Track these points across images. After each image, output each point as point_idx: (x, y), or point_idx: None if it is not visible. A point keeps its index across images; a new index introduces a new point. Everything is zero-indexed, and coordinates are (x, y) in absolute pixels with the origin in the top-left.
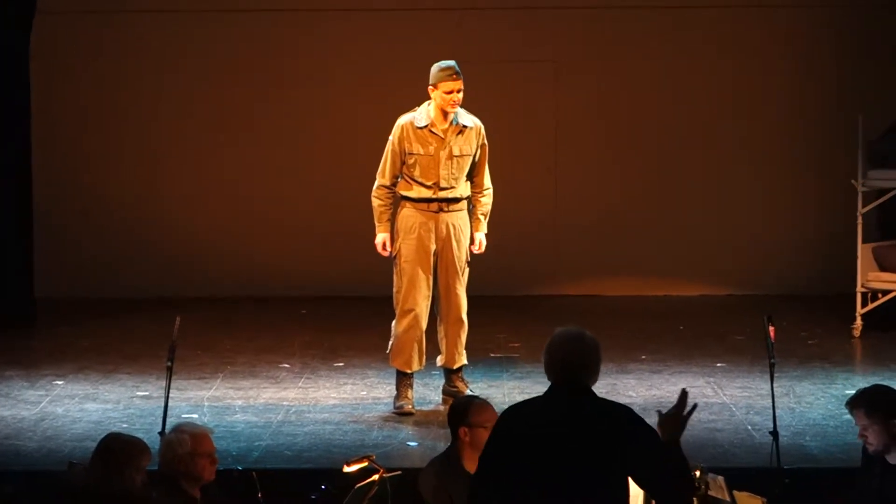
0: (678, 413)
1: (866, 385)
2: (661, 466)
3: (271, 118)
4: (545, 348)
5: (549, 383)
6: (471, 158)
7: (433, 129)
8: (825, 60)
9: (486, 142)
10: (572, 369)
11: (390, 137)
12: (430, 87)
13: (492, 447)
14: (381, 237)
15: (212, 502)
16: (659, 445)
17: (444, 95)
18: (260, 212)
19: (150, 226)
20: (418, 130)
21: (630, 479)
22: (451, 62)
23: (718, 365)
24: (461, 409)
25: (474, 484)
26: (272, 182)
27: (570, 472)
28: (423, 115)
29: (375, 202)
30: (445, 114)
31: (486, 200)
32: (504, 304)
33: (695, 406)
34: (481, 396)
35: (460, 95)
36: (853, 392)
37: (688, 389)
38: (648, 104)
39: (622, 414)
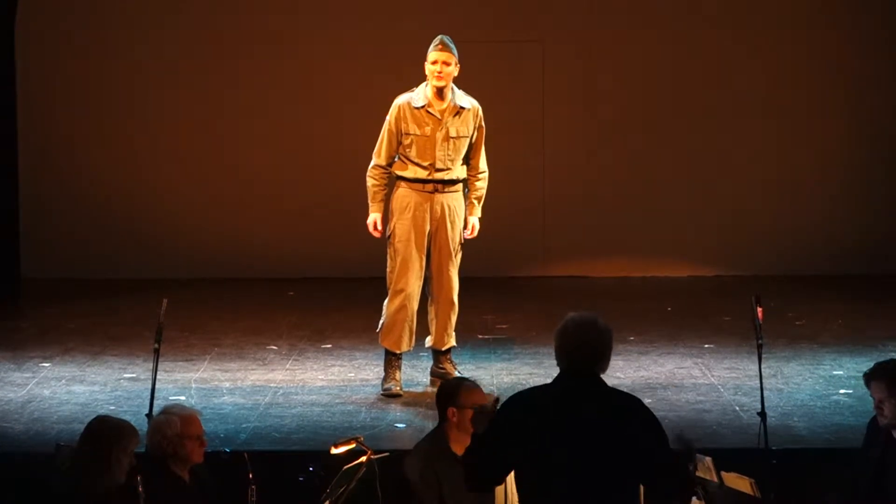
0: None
1: (854, 365)
2: (666, 461)
3: (257, 100)
4: (557, 333)
5: (536, 365)
6: (467, 140)
7: (430, 110)
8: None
9: (483, 124)
10: (585, 356)
11: (387, 117)
12: (425, 63)
13: (497, 432)
14: (374, 217)
15: (200, 484)
16: (665, 440)
17: (430, 66)
18: (247, 193)
19: (136, 207)
20: (415, 111)
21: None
22: (442, 35)
23: (706, 346)
24: (450, 390)
25: (472, 464)
26: (260, 163)
27: (581, 461)
28: (420, 95)
29: (370, 181)
30: (442, 94)
31: (482, 184)
32: (492, 285)
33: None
34: (470, 378)
35: (448, 69)
36: (841, 372)
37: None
38: (635, 85)
39: (632, 404)
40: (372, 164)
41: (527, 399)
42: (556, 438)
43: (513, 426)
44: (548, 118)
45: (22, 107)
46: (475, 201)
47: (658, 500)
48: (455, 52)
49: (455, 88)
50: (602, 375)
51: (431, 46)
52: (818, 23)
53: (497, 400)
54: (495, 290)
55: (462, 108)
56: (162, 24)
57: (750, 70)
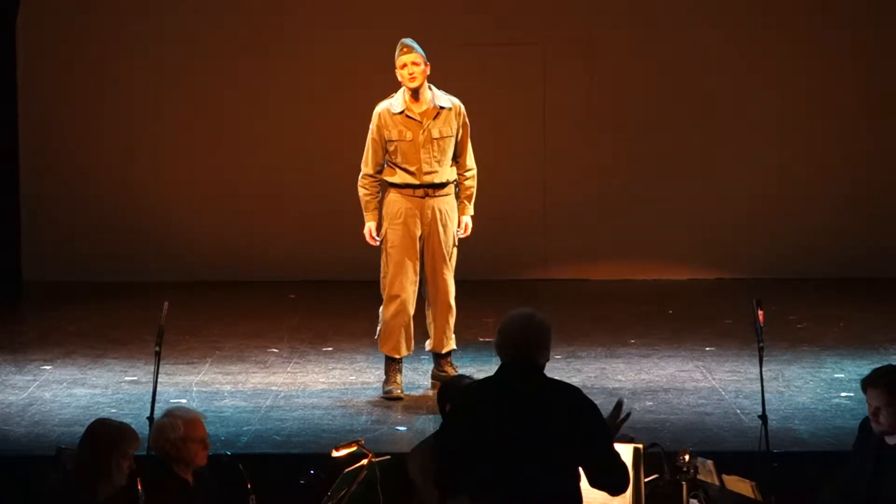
0: (612, 420)
1: (855, 368)
2: (604, 448)
3: (257, 102)
4: (498, 329)
5: None
6: (452, 140)
7: (409, 114)
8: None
9: (467, 121)
10: (524, 348)
11: (370, 126)
12: (395, 71)
13: (449, 428)
14: (369, 226)
15: (203, 487)
16: (604, 427)
17: (400, 71)
18: (247, 196)
19: (137, 210)
20: (395, 116)
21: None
22: (403, 39)
23: (707, 349)
24: (450, 388)
25: (437, 466)
26: (261, 165)
27: (523, 451)
28: (398, 100)
29: (361, 191)
30: (418, 96)
31: (471, 183)
32: (492, 288)
33: (628, 414)
34: (469, 375)
35: (418, 69)
36: (842, 375)
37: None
38: (636, 88)
39: (571, 393)
40: (361, 174)
41: (468, 394)
42: (496, 430)
43: (458, 424)
44: (548, 121)
45: (23, 109)
46: (466, 200)
47: (597, 488)
48: (421, 51)
49: (433, 89)
50: (585, 372)
51: (397, 51)
52: (822, 24)
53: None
54: (496, 293)
55: (442, 108)
56: (162, 26)
57: (751, 73)
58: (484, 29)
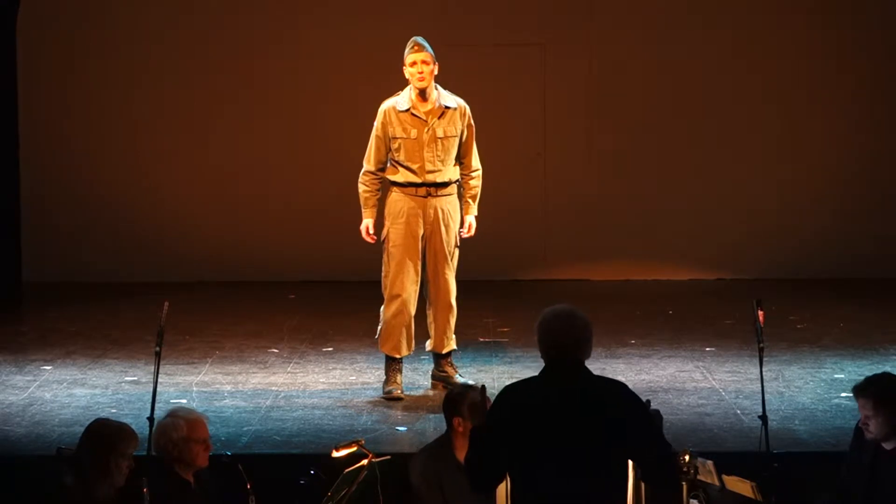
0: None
1: (855, 368)
2: (654, 443)
3: (258, 103)
4: (537, 327)
5: (539, 365)
6: (457, 140)
7: (415, 112)
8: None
9: (472, 122)
10: (566, 346)
11: (374, 123)
12: (403, 68)
13: (490, 430)
14: (366, 223)
15: (204, 488)
16: (651, 422)
17: (409, 69)
18: (247, 196)
19: (138, 210)
20: (401, 114)
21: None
22: (415, 37)
23: (707, 349)
24: (457, 399)
25: (472, 464)
26: (260, 167)
27: (571, 450)
28: (404, 98)
29: (361, 188)
30: (425, 95)
31: (476, 183)
32: (493, 288)
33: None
34: (475, 384)
35: (427, 68)
36: (842, 375)
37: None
38: (636, 89)
39: (618, 390)
40: (363, 170)
41: (514, 393)
42: (544, 429)
43: (503, 422)
44: (549, 121)
45: (23, 110)
46: (471, 200)
47: (648, 483)
48: (431, 50)
49: (440, 88)
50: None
51: (407, 49)
52: (822, 24)
53: (483, 388)
54: (497, 293)
55: (447, 107)
56: (162, 27)
57: (751, 73)
58: (484, 29)
